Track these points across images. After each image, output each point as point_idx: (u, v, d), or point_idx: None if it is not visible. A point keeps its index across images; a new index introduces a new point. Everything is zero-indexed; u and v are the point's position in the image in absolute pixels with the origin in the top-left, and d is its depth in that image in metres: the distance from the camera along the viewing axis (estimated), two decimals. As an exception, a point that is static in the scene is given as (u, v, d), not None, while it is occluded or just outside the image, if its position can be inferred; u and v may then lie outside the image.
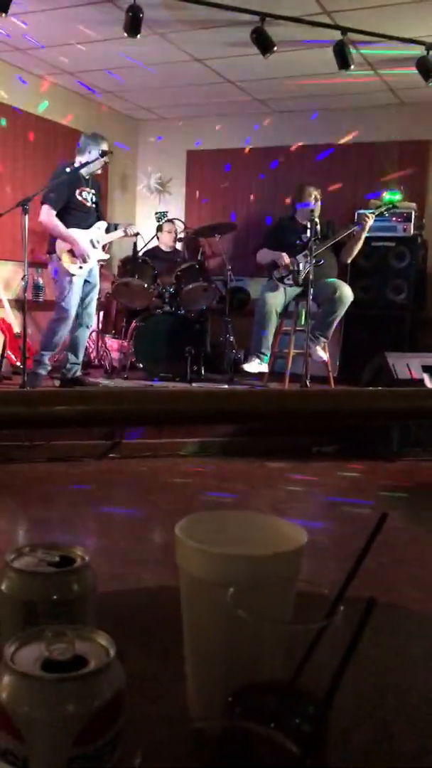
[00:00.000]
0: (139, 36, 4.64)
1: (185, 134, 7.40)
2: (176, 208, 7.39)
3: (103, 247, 5.28)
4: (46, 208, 5.00)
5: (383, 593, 0.42)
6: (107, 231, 5.29)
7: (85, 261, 5.09)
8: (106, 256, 5.19)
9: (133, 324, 5.74)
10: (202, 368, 5.89)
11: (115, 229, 5.37)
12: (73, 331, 5.27)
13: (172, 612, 0.65)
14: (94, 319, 5.40)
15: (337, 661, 0.46)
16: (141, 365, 5.63)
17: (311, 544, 0.62)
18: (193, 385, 5.38)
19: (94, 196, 5.20)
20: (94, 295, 5.32)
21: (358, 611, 0.44)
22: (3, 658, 0.45)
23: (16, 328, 5.74)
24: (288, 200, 6.20)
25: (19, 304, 5.41)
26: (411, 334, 6.12)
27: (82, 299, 5.23)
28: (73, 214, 5.12)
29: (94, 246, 5.13)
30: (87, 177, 5.17)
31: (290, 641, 0.51)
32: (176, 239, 6.67)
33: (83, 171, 5.10)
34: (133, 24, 4.56)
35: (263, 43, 4.74)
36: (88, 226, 5.15)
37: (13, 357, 5.71)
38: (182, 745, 0.40)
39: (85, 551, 0.62)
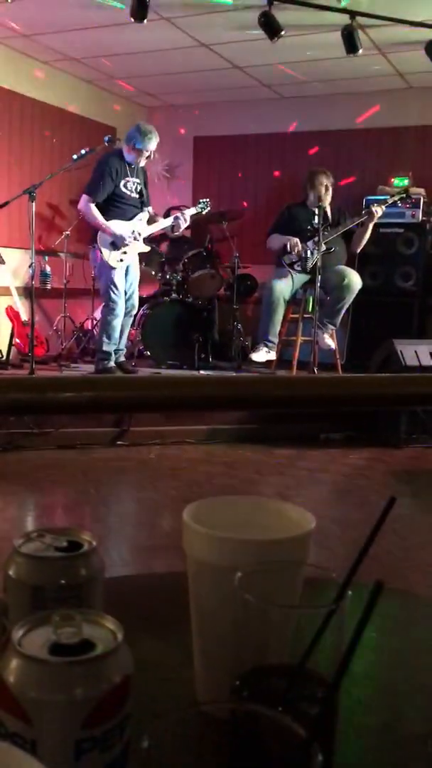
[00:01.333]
0: (146, 21, 4.61)
1: (193, 120, 7.35)
2: (184, 195, 7.36)
3: (146, 240, 5.22)
4: (85, 197, 5.01)
5: (390, 579, 0.42)
6: (149, 222, 5.24)
7: (125, 253, 5.06)
8: (146, 248, 5.14)
9: (141, 312, 5.73)
10: (210, 356, 5.88)
11: (157, 219, 5.33)
12: (124, 318, 5.30)
13: (179, 597, 0.65)
14: (137, 305, 5.35)
15: (345, 645, 0.46)
16: (149, 353, 5.63)
17: (318, 530, 0.62)
18: (201, 373, 5.38)
19: (138, 185, 5.15)
20: (136, 283, 5.28)
21: (365, 595, 0.44)
22: (11, 642, 0.45)
23: (24, 316, 5.74)
24: (296, 187, 6.16)
25: (27, 292, 5.42)
26: (419, 321, 6.09)
27: (130, 290, 5.24)
28: (117, 206, 5.08)
29: (135, 238, 5.09)
30: (133, 166, 5.13)
31: (298, 625, 0.51)
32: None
33: (129, 161, 5.07)
34: (140, 9, 4.53)
35: (271, 28, 4.70)
36: (131, 218, 5.11)
37: (21, 345, 5.72)
38: (190, 729, 0.40)
39: (92, 536, 0.62)
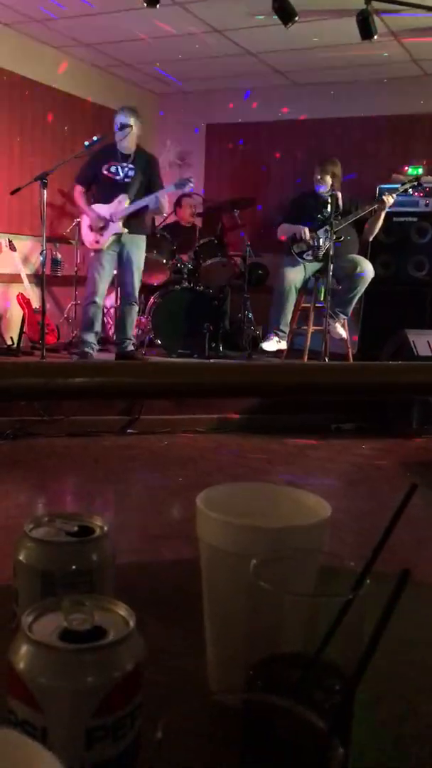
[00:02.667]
0: (158, 6, 4.57)
1: (204, 107, 7.30)
2: (195, 183, 7.32)
3: (133, 223, 5.14)
4: (75, 186, 5.10)
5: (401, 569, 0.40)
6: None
7: (101, 236, 5.05)
8: (122, 230, 5.08)
9: (152, 300, 5.72)
10: (221, 345, 5.86)
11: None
12: (121, 307, 5.31)
13: (192, 584, 0.64)
14: (136, 293, 5.26)
15: (362, 635, 0.45)
16: (159, 341, 5.62)
17: (331, 521, 0.61)
18: (212, 361, 5.37)
19: (130, 170, 5.12)
20: (130, 270, 5.19)
21: (383, 584, 0.43)
22: (21, 627, 0.44)
23: (35, 303, 5.74)
24: (308, 175, 6.11)
25: (38, 279, 5.42)
26: (432, 311, 6.05)
27: (120, 274, 5.21)
28: (99, 189, 5.12)
29: (111, 220, 5.07)
30: (125, 152, 5.12)
31: (314, 614, 0.49)
32: (195, 214, 6.62)
33: (119, 145, 5.07)
34: (153, -6, 4.50)
35: (285, 13, 4.65)
36: (111, 201, 5.10)
37: (32, 332, 5.72)
38: (203, 718, 0.39)
39: (103, 521, 0.61)
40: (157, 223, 6.07)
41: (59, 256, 6.32)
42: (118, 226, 5.08)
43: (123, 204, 5.09)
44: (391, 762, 0.57)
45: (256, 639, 0.50)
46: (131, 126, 5.05)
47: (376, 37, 4.84)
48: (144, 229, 5.30)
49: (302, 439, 4.75)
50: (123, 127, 5.04)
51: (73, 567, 0.57)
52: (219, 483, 0.67)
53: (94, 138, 5.10)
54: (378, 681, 0.65)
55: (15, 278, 5.92)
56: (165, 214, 5.29)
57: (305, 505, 0.63)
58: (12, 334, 5.89)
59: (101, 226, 5.05)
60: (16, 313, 5.95)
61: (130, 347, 5.33)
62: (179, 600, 0.76)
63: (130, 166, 5.12)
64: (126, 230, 5.08)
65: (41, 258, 5.02)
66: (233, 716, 0.39)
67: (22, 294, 5.86)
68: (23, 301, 5.83)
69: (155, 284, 5.85)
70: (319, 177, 5.49)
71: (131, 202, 5.07)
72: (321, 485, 3.97)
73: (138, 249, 5.21)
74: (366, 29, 4.79)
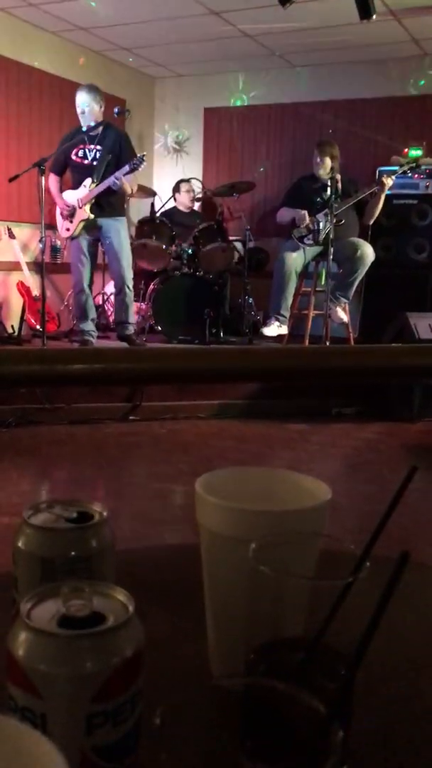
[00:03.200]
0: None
1: (202, 91, 7.24)
2: (194, 168, 7.28)
3: (108, 207, 5.06)
4: (50, 173, 5.00)
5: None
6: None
7: (71, 222, 5.01)
8: (88, 215, 4.98)
9: (152, 286, 5.70)
10: (221, 331, 5.85)
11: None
12: (115, 295, 5.28)
13: (192, 569, 0.64)
14: (125, 278, 5.14)
15: (362, 618, 0.44)
16: (160, 328, 5.61)
17: (331, 504, 0.60)
18: (213, 347, 5.35)
19: (98, 153, 5.02)
20: (113, 256, 5.11)
21: (383, 568, 0.43)
22: (20, 614, 0.44)
23: (35, 291, 5.73)
24: (307, 158, 6.07)
25: (38, 267, 5.40)
26: (433, 294, 6.03)
27: (106, 261, 5.19)
28: (71, 175, 5.08)
29: (78, 206, 5.01)
30: (92, 133, 5.03)
31: (314, 598, 0.49)
32: (194, 199, 6.59)
33: (85, 127, 5.00)
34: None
35: (282, -6, 4.59)
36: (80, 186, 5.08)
37: (32, 320, 5.71)
38: (204, 703, 0.39)
39: (103, 507, 0.61)
40: (156, 209, 6.04)
41: (59, 243, 6.30)
42: (84, 212, 4.99)
43: (88, 188, 5.02)
44: (394, 742, 0.57)
45: (257, 623, 0.50)
46: (91, 106, 4.97)
47: (375, 16, 4.79)
48: (119, 210, 5.16)
49: (303, 424, 4.75)
50: (83, 108, 4.98)
51: (73, 553, 0.56)
52: (220, 468, 0.66)
53: (92, 123, 5.06)
54: (379, 663, 0.65)
55: (14, 266, 5.90)
56: (129, 195, 5.14)
57: (305, 489, 0.63)
58: (12, 322, 5.87)
59: (70, 212, 5.01)
60: (16, 301, 5.93)
61: (129, 331, 5.28)
62: (179, 585, 0.76)
63: (98, 147, 5.02)
64: (92, 215, 4.98)
65: (40, 245, 5.00)
66: (234, 701, 0.39)
67: (21, 282, 5.84)
68: (23, 289, 5.81)
69: (155, 270, 5.83)
70: (318, 160, 5.47)
71: (98, 185, 4.98)
72: (321, 469, 3.97)
73: (116, 232, 5.08)
74: (365, 9, 4.73)
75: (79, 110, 5.00)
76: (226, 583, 0.59)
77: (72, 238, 5.06)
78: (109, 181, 4.92)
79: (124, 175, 4.93)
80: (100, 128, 5.05)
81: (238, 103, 7.13)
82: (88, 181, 5.00)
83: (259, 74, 6.94)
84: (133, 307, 5.36)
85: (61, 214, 5.07)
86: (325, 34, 5.89)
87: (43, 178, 4.75)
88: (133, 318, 5.34)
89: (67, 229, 5.04)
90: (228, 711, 0.39)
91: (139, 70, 7.21)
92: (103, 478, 3.81)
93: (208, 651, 0.64)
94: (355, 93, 6.56)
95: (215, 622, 0.63)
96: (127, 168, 4.92)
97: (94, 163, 5.03)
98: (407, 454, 4.24)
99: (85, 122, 5.00)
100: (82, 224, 5.00)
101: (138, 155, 4.99)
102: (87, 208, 4.98)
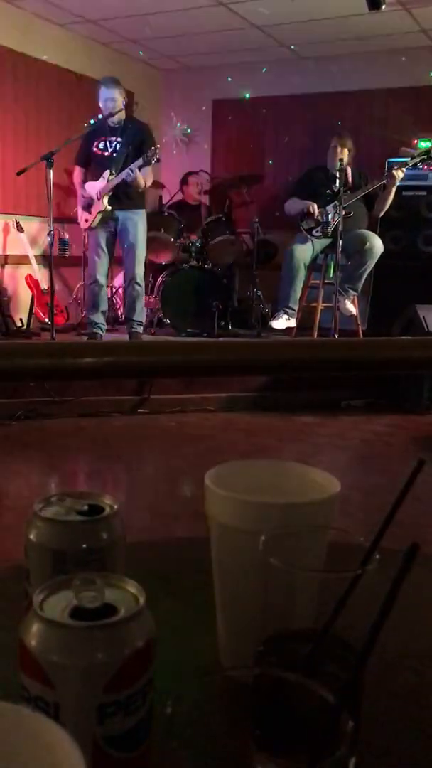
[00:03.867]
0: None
1: (210, 83, 7.22)
2: (202, 160, 7.26)
3: (127, 200, 5.07)
4: (75, 165, 5.09)
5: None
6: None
7: (90, 213, 5.03)
8: (105, 207, 4.99)
9: (160, 279, 5.70)
10: (230, 323, 5.85)
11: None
12: (125, 288, 5.27)
13: (202, 561, 0.64)
14: (134, 271, 5.11)
15: (371, 609, 0.45)
16: (168, 320, 5.61)
17: (340, 497, 0.60)
18: (221, 340, 5.35)
19: (118, 145, 5.04)
20: (128, 249, 5.09)
21: (392, 560, 0.43)
22: (32, 606, 0.45)
23: (44, 285, 5.74)
24: (316, 149, 6.05)
25: (46, 260, 5.41)
26: (442, 286, 5.99)
27: (124, 255, 5.19)
28: (93, 167, 5.09)
29: (97, 198, 5.01)
30: (114, 125, 5.05)
31: (323, 589, 0.50)
32: (202, 192, 6.57)
33: (107, 120, 5.01)
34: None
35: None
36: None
37: (41, 313, 5.72)
38: (214, 693, 0.39)
39: (113, 500, 0.61)
40: (163, 202, 6.03)
41: (67, 236, 6.30)
42: (102, 203, 5.00)
43: (106, 179, 5.04)
44: (403, 732, 0.58)
45: (266, 615, 0.50)
46: (116, 99, 4.97)
47: (384, 7, 4.75)
48: (139, 203, 5.11)
49: (312, 416, 4.74)
50: (107, 101, 4.97)
51: (84, 546, 0.57)
52: (228, 461, 0.67)
53: (100, 116, 5.06)
54: (388, 654, 0.65)
55: (23, 260, 5.91)
56: (142, 188, 5.11)
57: (314, 482, 0.63)
58: (21, 315, 5.89)
59: (88, 203, 5.03)
60: (25, 295, 5.95)
61: (134, 329, 5.23)
62: (190, 577, 0.77)
63: (119, 139, 5.03)
64: (109, 207, 4.97)
65: (49, 239, 5.00)
66: (244, 691, 0.40)
67: (30, 275, 5.85)
68: (32, 283, 5.82)
69: (163, 263, 5.82)
70: (337, 150, 5.40)
71: (116, 176, 4.99)
72: (331, 462, 3.97)
73: (133, 225, 5.04)
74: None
75: (103, 103, 4.99)
76: (236, 575, 0.60)
77: (90, 228, 5.07)
78: (123, 174, 4.91)
79: (139, 168, 4.90)
80: (120, 122, 5.07)
81: (246, 95, 7.10)
82: (106, 173, 5.01)
83: (268, 66, 6.91)
84: (143, 303, 5.28)
85: (81, 205, 5.10)
86: (333, 25, 5.85)
87: (51, 171, 4.75)
88: (142, 316, 5.26)
89: (86, 220, 5.05)
90: (238, 701, 0.40)
91: (147, 62, 7.19)
92: (112, 470, 3.82)
93: (218, 642, 0.64)
94: (364, 84, 6.52)
95: (225, 614, 0.63)
96: (140, 161, 4.89)
97: (114, 155, 5.04)
98: (416, 446, 4.24)
99: (110, 114, 5.00)
100: (99, 216, 5.01)
101: (152, 147, 4.97)
102: (105, 199, 4.98)
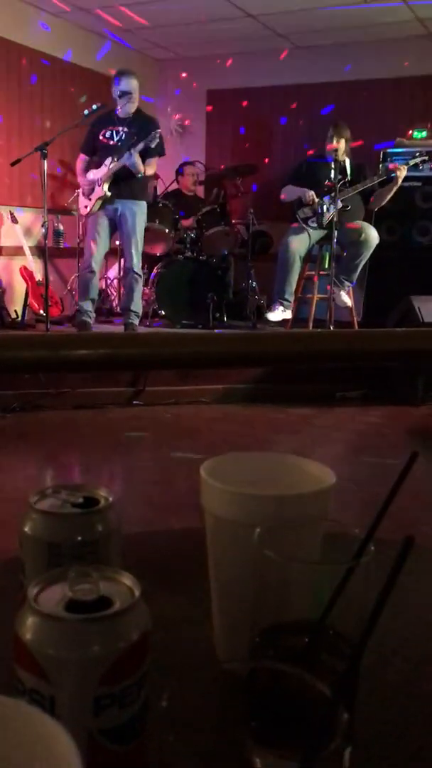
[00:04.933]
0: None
1: (205, 73, 7.18)
2: (197, 150, 7.23)
3: (127, 189, 5.06)
4: (80, 153, 5.09)
5: (405, 535, 0.40)
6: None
7: (89, 200, 5.03)
8: (105, 193, 4.99)
9: (155, 270, 5.69)
10: (225, 315, 5.84)
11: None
12: (123, 279, 5.26)
13: (197, 553, 0.64)
14: (132, 261, 5.11)
15: (367, 601, 0.45)
16: (163, 312, 5.60)
17: (335, 488, 0.60)
18: (216, 331, 5.34)
19: (124, 135, 5.04)
20: (127, 238, 5.10)
21: (386, 551, 0.43)
22: (27, 599, 0.45)
23: (38, 276, 5.72)
24: (311, 140, 6.03)
25: (41, 252, 5.39)
26: (438, 277, 5.99)
27: (120, 246, 5.18)
28: (98, 155, 5.09)
29: (98, 184, 5.02)
30: (123, 116, 5.06)
31: (318, 581, 0.50)
32: (197, 182, 6.55)
33: (118, 109, 5.02)
34: None
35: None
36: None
37: (36, 305, 5.71)
38: (210, 686, 0.39)
39: (108, 492, 0.61)
40: (158, 192, 6.01)
41: (61, 227, 6.28)
42: (102, 190, 5.00)
43: (107, 166, 5.03)
44: (398, 725, 0.58)
45: (262, 607, 0.50)
46: (135, 91, 5.00)
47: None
48: (139, 194, 5.12)
49: (307, 408, 4.75)
50: (124, 93, 4.97)
51: (79, 538, 0.57)
52: (224, 453, 0.67)
53: (94, 107, 5.04)
54: (384, 646, 0.66)
55: (17, 251, 5.88)
56: (141, 173, 5.11)
57: (309, 473, 0.63)
58: (16, 307, 5.87)
59: (90, 190, 5.03)
60: (19, 286, 5.93)
61: (131, 320, 5.21)
62: (185, 569, 0.77)
63: (125, 129, 5.05)
64: (109, 193, 4.97)
65: (43, 230, 4.99)
66: (240, 683, 0.40)
67: (24, 266, 5.83)
68: (26, 274, 5.80)
69: (158, 254, 5.81)
70: (333, 141, 5.38)
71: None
72: (326, 453, 3.98)
73: (132, 215, 5.05)
74: (369, -11, 4.68)
75: (120, 94, 4.97)
76: (231, 567, 0.60)
77: (89, 215, 5.07)
78: (124, 158, 4.92)
79: (141, 155, 4.92)
80: (129, 114, 5.07)
81: (241, 85, 7.07)
82: (108, 160, 5.01)
83: (263, 55, 6.87)
84: (140, 294, 5.26)
85: (82, 192, 5.10)
86: (328, 15, 5.82)
87: (45, 161, 4.73)
88: (138, 306, 5.23)
89: (86, 207, 5.05)
90: (234, 694, 0.40)
91: (142, 52, 7.15)
92: (108, 462, 3.82)
93: (214, 635, 0.64)
94: (359, 74, 6.50)
95: (220, 606, 0.63)
96: (141, 145, 4.92)
97: (119, 143, 5.05)
98: (411, 437, 4.25)
99: (128, 107, 5.00)
100: (99, 202, 5.01)
101: (153, 131, 4.97)
102: (105, 186, 4.98)
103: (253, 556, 0.49)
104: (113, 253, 5.69)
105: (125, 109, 5.01)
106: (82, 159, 5.17)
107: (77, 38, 6.45)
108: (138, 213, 5.09)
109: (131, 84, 4.99)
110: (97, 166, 5.07)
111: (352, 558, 0.48)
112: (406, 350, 1.08)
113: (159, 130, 5.05)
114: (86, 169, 5.14)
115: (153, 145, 4.95)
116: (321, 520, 0.56)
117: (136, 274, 5.15)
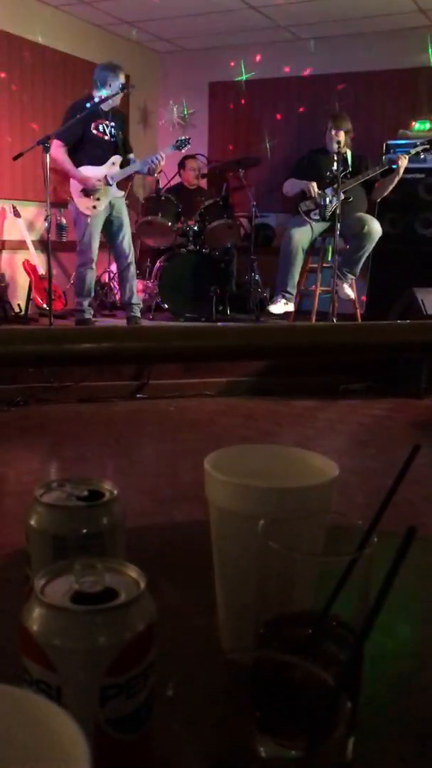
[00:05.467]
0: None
1: (208, 65, 7.15)
2: (199, 143, 7.21)
3: (119, 184, 5.11)
4: (56, 143, 4.85)
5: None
6: (123, 166, 5.11)
7: (98, 200, 4.99)
8: (120, 194, 5.03)
9: (158, 264, 5.68)
10: (228, 308, 5.84)
11: (132, 163, 5.17)
12: (125, 272, 5.26)
13: (202, 545, 0.64)
14: (131, 255, 5.22)
15: (369, 592, 0.45)
16: (166, 305, 5.60)
17: (339, 481, 0.61)
18: (219, 325, 5.34)
19: (113, 129, 5.05)
20: (125, 232, 5.17)
21: (390, 543, 0.43)
22: (33, 590, 0.45)
23: (41, 270, 5.72)
24: (314, 132, 6.01)
25: (43, 245, 5.38)
26: (441, 269, 5.98)
27: (112, 238, 5.18)
28: (88, 149, 5.00)
29: (108, 183, 5.01)
30: (107, 109, 5.03)
31: (322, 573, 0.50)
32: (199, 175, 6.54)
33: (102, 103, 4.97)
34: None
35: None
36: (104, 162, 5.04)
37: (39, 299, 5.71)
38: (215, 676, 0.40)
39: (113, 485, 0.61)
40: (161, 186, 6.00)
41: (64, 221, 6.27)
42: (115, 190, 5.01)
43: (117, 165, 5.02)
44: (400, 714, 0.58)
45: (266, 598, 0.51)
46: (121, 85, 4.96)
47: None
48: (123, 188, 5.24)
49: (310, 401, 4.75)
50: (125, 87, 4.97)
51: (84, 531, 0.57)
52: (228, 446, 0.67)
53: (96, 99, 5.02)
54: (388, 636, 0.66)
55: (20, 245, 5.88)
56: (156, 176, 5.21)
57: (313, 466, 0.63)
58: (19, 301, 5.88)
59: (98, 189, 4.98)
60: (22, 280, 5.93)
61: (135, 313, 5.30)
62: (190, 561, 0.77)
63: (113, 124, 5.05)
64: (122, 194, 5.06)
65: (46, 224, 4.98)
66: (244, 673, 0.40)
67: (27, 261, 5.83)
68: (29, 268, 5.80)
69: (161, 248, 5.80)
70: (333, 133, 5.37)
71: (127, 164, 5.05)
72: (330, 446, 3.98)
73: (125, 209, 5.20)
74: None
75: (109, 88, 4.94)
76: (236, 559, 0.60)
77: (94, 215, 5.03)
78: (144, 162, 5.03)
79: (167, 154, 5.16)
80: (110, 107, 5.06)
81: (244, 77, 7.05)
82: (117, 158, 5.00)
83: (265, 47, 6.85)
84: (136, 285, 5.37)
85: (93, 188, 4.97)
86: (331, 6, 5.80)
87: (50, 154, 4.71)
88: (138, 298, 5.33)
89: (94, 207, 4.99)
90: (239, 683, 0.40)
91: (144, 45, 7.13)
92: (112, 456, 3.83)
93: (219, 625, 0.65)
94: (362, 65, 6.47)
95: (225, 598, 0.63)
96: (171, 148, 5.21)
97: (113, 139, 5.05)
98: (415, 430, 4.25)
99: (116, 101, 4.99)
100: (108, 201, 5.02)
101: (185, 137, 5.30)
102: (115, 185, 5.00)
103: (257, 548, 0.49)
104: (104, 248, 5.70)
105: (112, 102, 4.98)
106: (61, 147, 4.93)
107: (78, 31, 6.43)
108: (125, 206, 5.21)
109: (119, 78, 4.98)
110: (91, 159, 4.98)
111: (355, 550, 0.48)
112: (410, 343, 1.08)
113: (190, 138, 5.47)
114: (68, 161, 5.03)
115: (183, 150, 5.33)
116: (324, 512, 0.56)
117: (134, 266, 5.24)
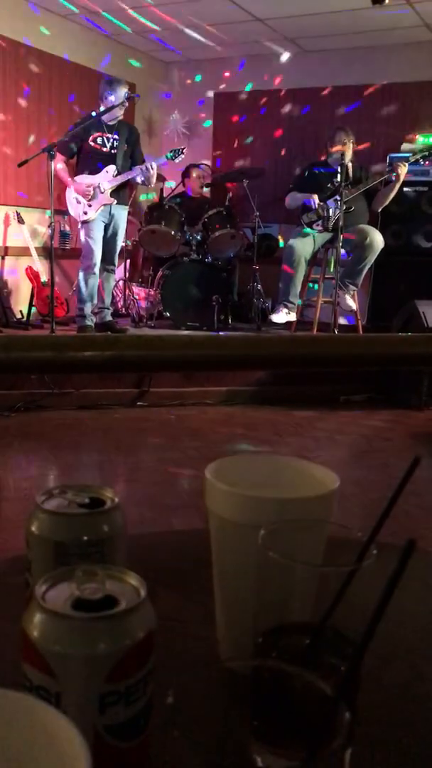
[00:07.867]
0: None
1: (212, 76, 7.19)
2: (204, 153, 7.24)
3: (118, 194, 5.15)
4: (56, 152, 4.94)
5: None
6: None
7: (90, 206, 5.04)
8: (110, 201, 5.08)
9: (160, 272, 5.69)
10: (230, 317, 5.84)
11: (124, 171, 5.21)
12: (106, 279, 5.33)
13: (202, 554, 0.65)
14: (115, 262, 5.36)
15: (368, 603, 0.45)
16: (168, 314, 5.61)
17: (339, 492, 0.61)
18: (221, 334, 5.35)
19: (116, 142, 5.11)
20: (117, 241, 5.27)
21: (389, 555, 0.44)
22: (34, 597, 0.45)
23: (44, 277, 5.73)
24: (318, 143, 6.04)
25: (47, 252, 5.40)
26: (443, 282, 5.99)
27: (104, 243, 5.21)
28: (85, 160, 5.12)
29: (101, 191, 5.05)
30: (110, 123, 5.09)
31: (321, 584, 0.50)
32: (203, 185, 6.56)
33: (104, 116, 5.03)
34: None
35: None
36: (100, 172, 5.10)
37: (41, 305, 5.72)
38: (213, 685, 0.40)
39: (114, 493, 0.62)
40: (164, 195, 6.02)
41: (67, 228, 6.29)
42: (106, 197, 5.06)
43: (111, 174, 5.07)
44: (398, 725, 0.58)
45: (265, 608, 0.51)
46: (124, 101, 5.07)
47: (387, 1, 4.73)
48: (127, 201, 5.34)
49: (311, 411, 4.75)
50: (129, 98, 5.08)
51: (85, 538, 0.58)
52: (228, 455, 0.67)
53: (102, 108, 5.06)
54: (385, 648, 0.66)
55: (23, 251, 5.90)
56: (152, 185, 5.27)
57: (313, 477, 0.64)
58: (21, 307, 5.89)
59: (91, 196, 5.03)
60: (25, 287, 5.94)
61: (109, 317, 5.41)
62: (189, 570, 0.77)
63: (115, 137, 5.13)
64: (114, 201, 5.10)
65: (49, 231, 5.00)
66: (243, 683, 0.40)
67: (30, 267, 5.84)
68: (32, 275, 5.82)
69: (164, 256, 5.82)
70: (334, 145, 5.40)
71: (118, 173, 5.09)
72: (330, 456, 3.98)
73: (124, 221, 5.30)
74: (377, -7, 4.68)
75: (111, 101, 5.03)
76: (235, 568, 0.60)
77: (89, 221, 5.08)
78: (138, 170, 5.07)
79: (159, 164, 5.22)
80: (116, 120, 5.14)
81: (248, 89, 7.08)
82: (112, 168, 5.07)
83: (270, 59, 6.89)
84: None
85: (84, 195, 5.06)
86: (336, 20, 5.83)
87: (53, 163, 4.74)
88: (108, 302, 5.50)
89: (85, 213, 5.06)
90: (237, 692, 0.40)
91: (149, 54, 7.17)
92: (112, 463, 3.83)
93: (218, 634, 0.65)
94: (366, 79, 6.51)
95: (224, 607, 0.64)
96: (164, 158, 5.27)
97: (113, 151, 5.11)
98: (415, 442, 4.25)
99: (110, 113, 5.04)
100: (102, 208, 5.05)
101: (179, 147, 5.38)
102: (109, 193, 5.04)
103: (257, 558, 0.50)
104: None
105: (114, 114, 5.06)
106: (60, 159, 5.02)
107: (84, 40, 6.47)
108: (125, 219, 5.32)
109: (123, 92, 5.07)
110: (91, 171, 5.08)
111: (354, 561, 0.49)
112: (411, 355, 1.09)
113: (184, 147, 5.50)
114: (71, 174, 5.16)
115: (176, 161, 5.34)
116: (324, 523, 0.57)
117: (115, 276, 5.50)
